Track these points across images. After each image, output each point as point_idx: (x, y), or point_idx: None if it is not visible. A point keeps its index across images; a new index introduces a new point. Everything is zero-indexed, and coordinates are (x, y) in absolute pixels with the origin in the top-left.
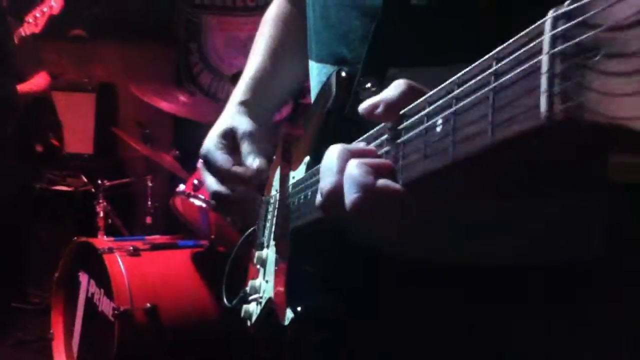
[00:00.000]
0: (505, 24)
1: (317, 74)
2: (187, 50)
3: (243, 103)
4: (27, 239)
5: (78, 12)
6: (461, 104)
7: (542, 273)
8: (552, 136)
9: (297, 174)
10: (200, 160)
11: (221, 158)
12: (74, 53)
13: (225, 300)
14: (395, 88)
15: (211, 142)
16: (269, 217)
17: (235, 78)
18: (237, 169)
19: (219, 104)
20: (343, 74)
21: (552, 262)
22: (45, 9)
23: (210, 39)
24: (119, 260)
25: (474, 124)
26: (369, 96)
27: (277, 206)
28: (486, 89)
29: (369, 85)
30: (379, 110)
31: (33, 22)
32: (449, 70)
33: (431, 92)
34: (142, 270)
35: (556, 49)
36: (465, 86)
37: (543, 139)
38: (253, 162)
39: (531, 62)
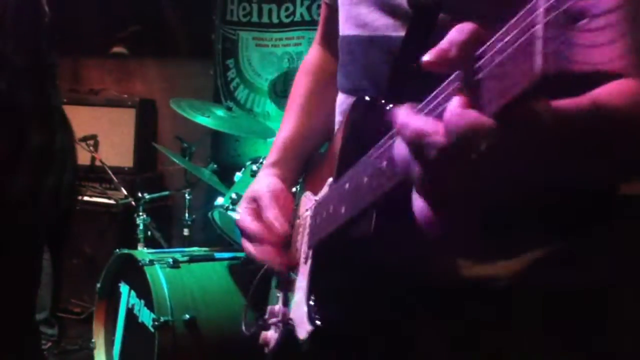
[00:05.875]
0: None
1: (341, 104)
2: (224, 66)
3: (274, 164)
4: (71, 251)
5: (119, 30)
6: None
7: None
8: (545, 87)
9: (320, 196)
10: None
11: (247, 221)
12: (115, 70)
13: (243, 328)
14: (460, 31)
15: (241, 206)
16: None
17: (270, 89)
18: (259, 231)
19: (256, 118)
20: (366, 98)
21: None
22: None
23: (246, 55)
24: (160, 272)
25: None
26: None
27: (298, 232)
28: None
29: (390, 106)
30: (453, 53)
31: None
32: None
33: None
34: (181, 282)
35: (549, 18)
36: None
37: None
38: (274, 224)
39: (529, 33)
